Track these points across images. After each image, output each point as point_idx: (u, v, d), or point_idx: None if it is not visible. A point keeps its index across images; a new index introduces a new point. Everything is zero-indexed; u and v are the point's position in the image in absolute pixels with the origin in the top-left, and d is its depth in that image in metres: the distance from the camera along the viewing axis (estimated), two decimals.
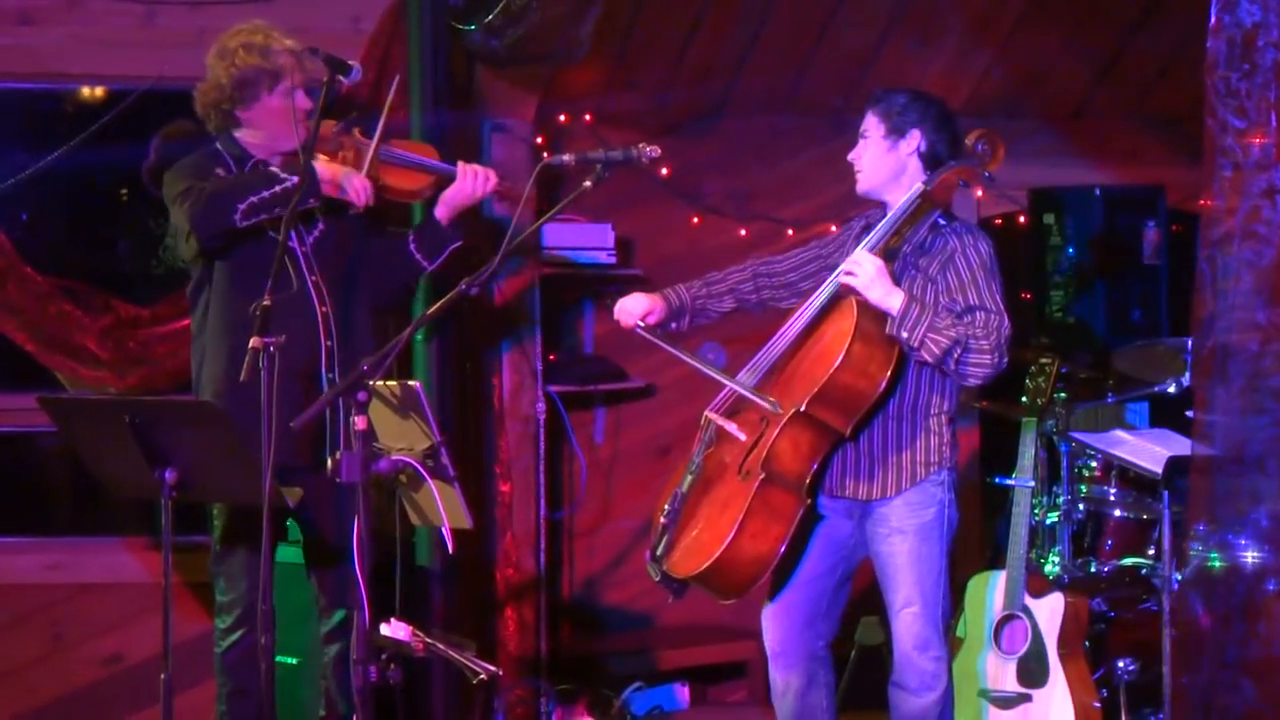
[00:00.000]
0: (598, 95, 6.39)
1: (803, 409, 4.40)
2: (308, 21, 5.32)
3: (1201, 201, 4.15)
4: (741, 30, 6.36)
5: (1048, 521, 5.71)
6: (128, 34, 5.72)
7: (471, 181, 5.00)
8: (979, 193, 6.68)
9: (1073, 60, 6.77)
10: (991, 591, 5.23)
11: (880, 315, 4.41)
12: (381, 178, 4.91)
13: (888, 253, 4.49)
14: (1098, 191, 6.39)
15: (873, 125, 4.60)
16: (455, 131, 5.64)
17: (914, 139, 4.56)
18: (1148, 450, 5.66)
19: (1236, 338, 3.99)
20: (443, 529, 4.12)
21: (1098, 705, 5.12)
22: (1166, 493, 5.24)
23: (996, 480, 5.59)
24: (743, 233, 6.69)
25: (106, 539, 6.03)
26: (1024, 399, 5.38)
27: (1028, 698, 5.10)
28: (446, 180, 5.02)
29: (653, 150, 4.41)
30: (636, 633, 6.59)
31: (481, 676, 4.02)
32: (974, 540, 6.48)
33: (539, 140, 6.15)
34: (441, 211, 5.01)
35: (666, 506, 4.58)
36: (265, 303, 4.07)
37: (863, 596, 4.93)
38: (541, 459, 6.12)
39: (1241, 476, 4.01)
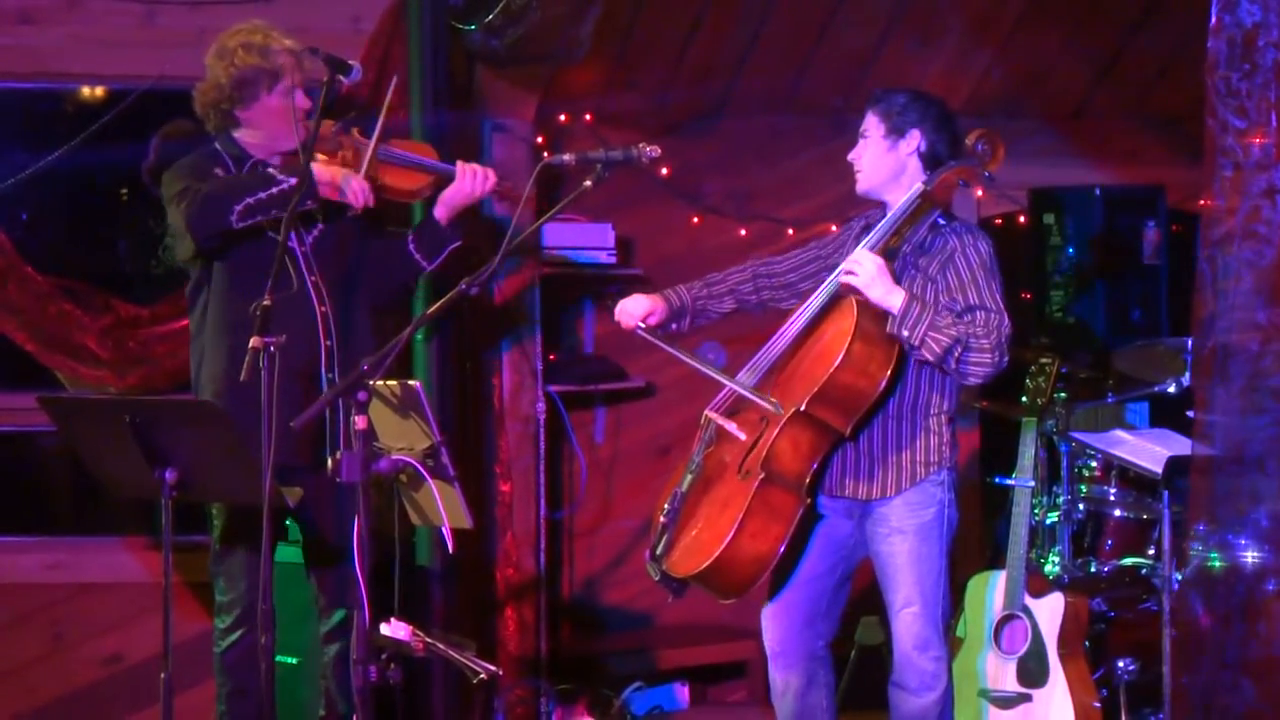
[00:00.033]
0: (598, 95, 6.39)
1: (803, 408, 4.40)
2: (308, 21, 5.32)
3: (1202, 201, 4.15)
4: (741, 30, 6.36)
5: (1048, 521, 5.71)
6: (128, 34, 5.72)
7: (470, 181, 5.00)
8: (979, 193, 6.69)
9: (1073, 60, 6.77)
10: (991, 591, 5.23)
11: (880, 315, 4.41)
12: (380, 177, 4.91)
13: (887, 252, 4.49)
14: (1098, 191, 6.39)
15: (873, 125, 4.60)
16: (455, 131, 5.64)
17: (914, 139, 4.57)
18: (1148, 450, 5.66)
19: (1237, 338, 3.99)
20: (443, 529, 4.12)
21: (1098, 705, 5.12)
22: (1166, 493, 5.23)
23: (996, 480, 5.59)
24: (743, 233, 6.69)
25: (106, 539, 6.03)
26: (1024, 399, 5.38)
27: (1028, 698, 5.10)
28: (445, 180, 5.02)
29: (653, 150, 4.42)
30: (636, 633, 6.59)
31: (481, 676, 4.02)
32: (974, 540, 6.48)
33: (539, 140, 6.15)
34: (441, 211, 5.01)
35: (666, 506, 4.58)
36: (265, 302, 4.07)
37: (863, 596, 4.93)
38: (541, 459, 6.12)
39: (1241, 476, 4.01)
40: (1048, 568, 5.64)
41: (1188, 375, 5.49)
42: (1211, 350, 4.04)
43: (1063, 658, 5.09)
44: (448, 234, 5.03)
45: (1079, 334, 6.32)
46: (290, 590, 4.95)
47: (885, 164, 4.58)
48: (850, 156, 4.64)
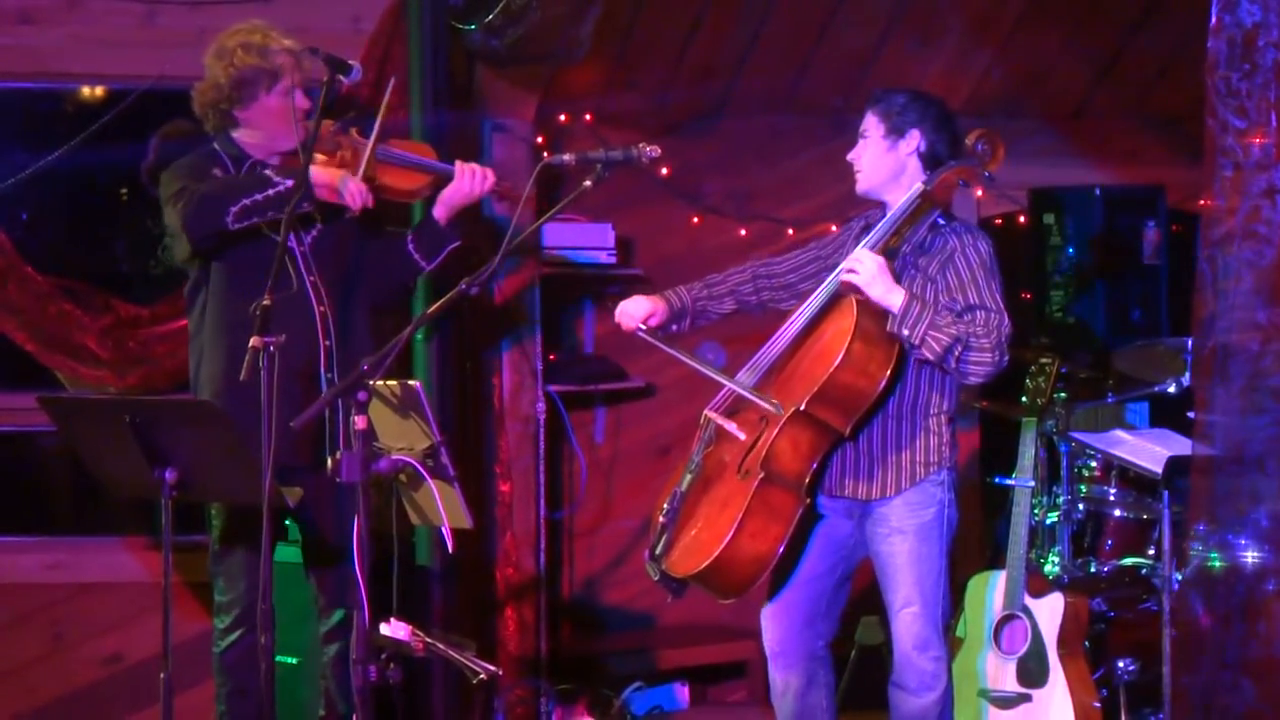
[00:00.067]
0: (598, 95, 6.39)
1: (802, 408, 4.40)
2: (308, 21, 5.32)
3: (1202, 201, 4.16)
4: (741, 30, 6.36)
5: (1048, 521, 5.71)
6: (128, 34, 5.72)
7: (469, 181, 5.00)
8: (979, 193, 6.68)
9: (1073, 60, 6.77)
10: (991, 591, 5.23)
11: (880, 314, 4.41)
12: (379, 177, 4.91)
13: (887, 252, 4.49)
14: (1098, 191, 6.39)
15: (872, 125, 4.60)
16: (455, 131, 5.64)
17: (913, 139, 4.56)
18: (1148, 450, 5.66)
19: (1237, 338, 4.00)
20: (443, 529, 4.12)
21: (1098, 705, 5.12)
22: (1166, 493, 5.24)
23: (996, 480, 5.59)
24: (743, 233, 6.69)
25: (106, 539, 6.03)
26: (1024, 399, 5.37)
27: (1028, 698, 5.10)
28: (444, 179, 5.02)
29: (653, 150, 4.42)
30: (636, 633, 6.59)
31: (481, 676, 4.02)
32: (974, 540, 6.48)
33: (539, 140, 6.14)
34: (440, 211, 5.01)
35: (666, 506, 4.58)
36: (265, 302, 4.07)
37: (863, 596, 4.93)
38: (541, 459, 6.12)
39: (1241, 476, 4.01)
40: (1048, 568, 5.64)
41: (1188, 375, 5.49)
42: (1211, 350, 4.04)
43: (1063, 658, 5.09)
44: (447, 234, 5.03)
45: (1079, 334, 6.32)
46: (290, 590, 4.95)
47: (885, 164, 4.58)
48: (850, 156, 4.64)
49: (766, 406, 4.44)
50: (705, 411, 4.63)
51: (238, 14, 5.17)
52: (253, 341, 4.02)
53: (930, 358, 4.40)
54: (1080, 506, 5.73)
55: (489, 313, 5.98)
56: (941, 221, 4.57)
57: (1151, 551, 5.68)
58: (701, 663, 6.49)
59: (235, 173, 4.81)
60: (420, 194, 5.08)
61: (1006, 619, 5.18)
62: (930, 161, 4.56)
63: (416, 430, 4.10)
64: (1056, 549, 5.69)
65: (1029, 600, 5.15)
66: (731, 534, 4.36)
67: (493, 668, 4.08)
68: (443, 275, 5.11)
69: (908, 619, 4.55)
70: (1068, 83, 6.87)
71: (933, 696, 4.58)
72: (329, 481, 4.08)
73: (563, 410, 6.31)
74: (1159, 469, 5.35)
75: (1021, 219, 6.73)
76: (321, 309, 4.81)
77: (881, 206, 4.64)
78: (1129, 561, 5.70)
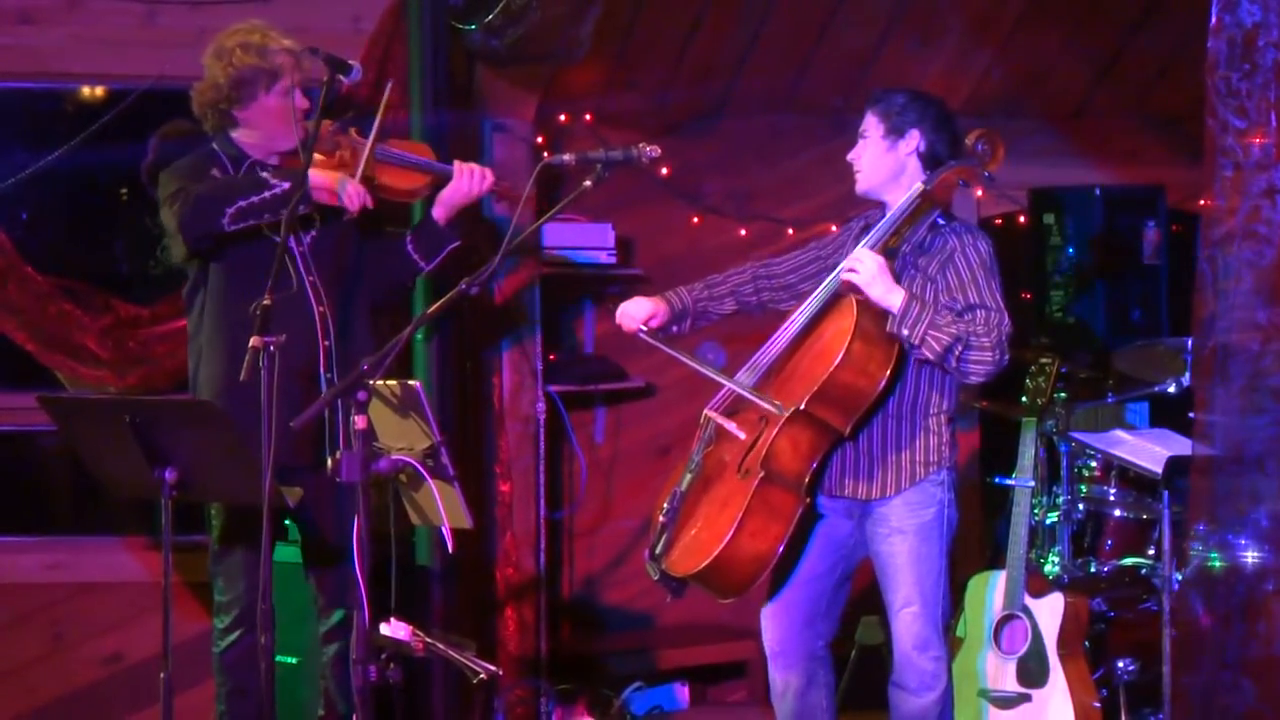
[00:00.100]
0: (598, 95, 6.39)
1: (802, 407, 4.40)
2: (308, 21, 5.32)
3: (1202, 201, 4.16)
4: (741, 30, 6.36)
5: (1048, 521, 5.71)
6: (128, 33, 5.72)
7: (468, 180, 5.00)
8: (979, 193, 6.68)
9: (1073, 60, 6.77)
10: (991, 591, 5.23)
11: (880, 314, 4.41)
12: (378, 177, 4.91)
13: (887, 252, 4.49)
14: (1098, 191, 6.39)
15: (872, 125, 4.60)
16: (455, 131, 5.64)
17: (913, 139, 4.56)
18: (1148, 450, 5.66)
19: (1237, 338, 3.99)
20: (443, 529, 4.12)
21: (1098, 705, 5.12)
22: (1166, 493, 5.24)
23: (996, 480, 5.59)
24: (743, 233, 6.69)
25: (106, 539, 6.03)
26: (1024, 399, 5.37)
27: (1027, 698, 5.10)
28: (443, 179, 5.01)
29: (653, 150, 4.42)
30: (636, 633, 6.59)
31: (481, 676, 4.02)
32: (974, 540, 6.48)
33: (539, 140, 6.14)
34: (439, 212, 5.01)
35: (666, 505, 4.58)
36: (266, 302, 4.07)
37: (863, 596, 4.93)
38: (541, 459, 6.12)
39: (1241, 476, 4.01)
40: (1048, 568, 5.64)
41: (1188, 375, 5.49)
42: (1211, 350, 4.04)
43: (1063, 658, 5.09)
44: (446, 235, 5.03)
45: (1079, 334, 6.32)
46: (289, 590, 4.95)
47: (885, 164, 4.58)
48: (850, 156, 4.64)
49: (767, 406, 4.44)
50: (705, 411, 4.63)
51: (238, 14, 5.17)
52: (253, 341, 4.02)
53: (930, 358, 4.40)
54: (1080, 506, 5.73)
55: (489, 313, 5.98)
56: (941, 221, 4.57)
57: (1151, 551, 5.68)
58: (701, 663, 6.49)
59: (234, 173, 4.81)
60: (419, 194, 5.07)
61: (1006, 619, 5.18)
62: (930, 161, 4.56)
63: (416, 430, 4.10)
64: (1056, 549, 5.69)
65: (1029, 600, 5.15)
66: (731, 533, 4.36)
67: (493, 668, 4.08)
68: (442, 275, 5.11)
69: (908, 619, 4.55)
70: (1068, 83, 6.86)
71: (933, 696, 4.58)
72: (329, 481, 4.08)
73: (563, 410, 6.31)
74: (1159, 469, 5.35)
75: (1021, 219, 6.73)
76: (321, 309, 4.81)
77: (881, 206, 4.64)
78: (1129, 561, 5.70)
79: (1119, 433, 5.94)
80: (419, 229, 5.05)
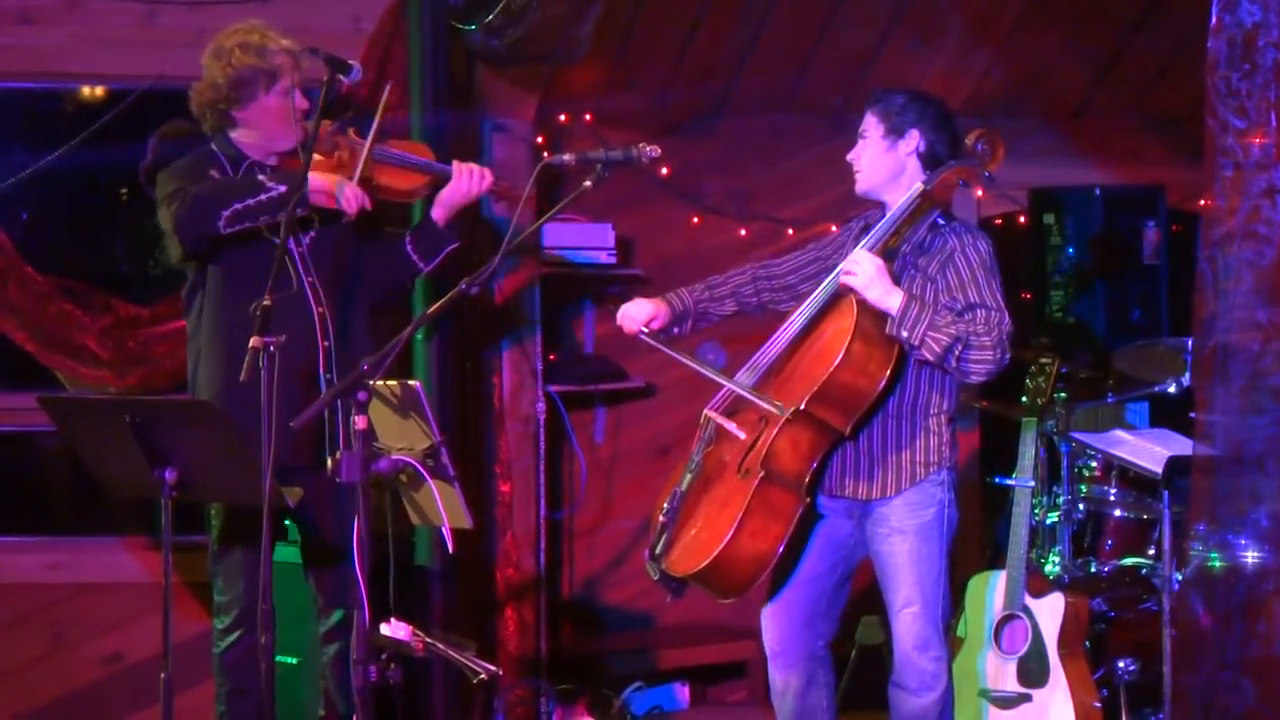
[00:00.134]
0: (598, 95, 6.39)
1: (802, 408, 4.40)
2: (308, 21, 5.32)
3: (1202, 201, 4.16)
4: (741, 30, 6.36)
5: (1048, 521, 5.71)
6: (128, 34, 5.72)
7: (467, 180, 4.99)
8: (979, 193, 6.69)
9: (1073, 60, 6.77)
10: (991, 591, 5.23)
11: (880, 314, 4.41)
12: (376, 177, 4.90)
13: (887, 252, 4.49)
14: (1098, 191, 6.39)
15: (872, 125, 4.60)
16: (455, 131, 5.64)
17: (913, 139, 4.56)
18: (1148, 450, 5.66)
19: (1237, 338, 3.99)
20: (443, 529, 4.12)
21: (1098, 705, 5.12)
22: (1166, 493, 5.23)
23: (996, 480, 5.59)
24: (743, 233, 6.69)
25: (106, 539, 6.03)
26: (1024, 399, 5.37)
27: (1028, 698, 5.10)
28: (442, 180, 5.01)
29: (653, 150, 4.41)
30: (636, 633, 6.59)
31: (481, 676, 4.02)
32: (974, 540, 6.48)
33: (539, 140, 6.14)
34: (438, 212, 5.01)
35: (665, 505, 4.58)
36: (265, 302, 4.07)
37: (863, 596, 4.93)
38: (541, 459, 6.12)
39: (1241, 476, 4.01)
40: (1048, 568, 5.64)
41: (1188, 375, 5.49)
42: (1211, 350, 4.04)
43: (1063, 658, 5.09)
44: (445, 235, 5.03)
45: (1079, 334, 6.32)
46: (289, 590, 4.95)
47: (884, 164, 4.58)
48: (849, 156, 4.64)
49: (767, 406, 4.44)
50: (705, 411, 4.63)
51: (237, 14, 5.17)
52: (253, 342, 4.02)
53: (930, 358, 4.40)
54: (1080, 506, 5.73)
55: (489, 313, 5.98)
56: (941, 221, 4.57)
57: (1151, 551, 5.68)
58: (701, 663, 6.49)
59: (233, 174, 4.81)
60: (418, 194, 5.07)
61: (1007, 619, 5.18)
62: (930, 161, 4.56)
63: (416, 430, 4.10)
64: (1057, 549, 5.69)
65: (1029, 600, 5.15)
66: (731, 533, 4.36)
67: (493, 668, 4.08)
68: (442, 275, 5.11)
69: (908, 619, 4.55)
70: (1068, 83, 6.86)
71: (933, 696, 4.58)
72: (329, 481, 4.08)
73: (563, 410, 6.31)
74: (1159, 469, 5.35)
75: (1021, 219, 6.73)
76: (320, 310, 4.80)
77: (881, 206, 4.64)
78: (1129, 561, 5.70)
79: (1119, 433, 5.94)
80: (418, 229, 5.05)
